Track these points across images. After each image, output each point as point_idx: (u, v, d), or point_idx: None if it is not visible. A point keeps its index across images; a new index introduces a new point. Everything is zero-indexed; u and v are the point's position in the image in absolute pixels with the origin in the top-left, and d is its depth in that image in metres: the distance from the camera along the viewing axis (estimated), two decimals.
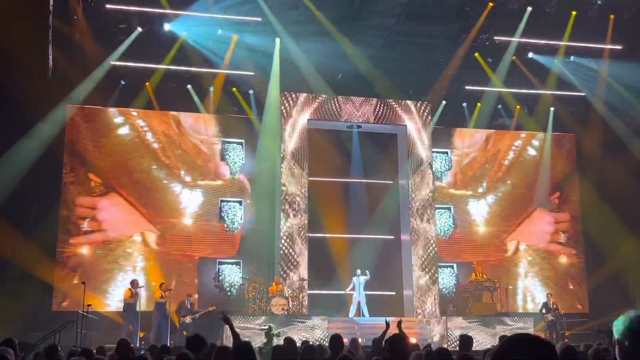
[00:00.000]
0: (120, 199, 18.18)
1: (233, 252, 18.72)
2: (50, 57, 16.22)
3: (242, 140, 19.41)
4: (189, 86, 18.81)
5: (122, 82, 18.41)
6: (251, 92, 19.28)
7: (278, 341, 12.11)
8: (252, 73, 18.74)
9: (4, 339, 7.67)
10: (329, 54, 18.59)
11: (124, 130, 18.58)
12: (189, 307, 15.89)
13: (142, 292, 15.67)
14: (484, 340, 15.56)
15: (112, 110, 18.58)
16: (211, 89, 19.03)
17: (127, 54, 17.62)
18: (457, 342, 8.57)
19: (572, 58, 19.34)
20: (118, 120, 18.58)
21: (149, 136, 18.71)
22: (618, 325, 2.61)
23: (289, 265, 17.35)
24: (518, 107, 20.84)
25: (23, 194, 16.64)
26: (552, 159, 21.22)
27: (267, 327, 13.24)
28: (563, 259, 20.74)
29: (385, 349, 5.61)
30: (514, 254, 20.53)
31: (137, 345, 14.43)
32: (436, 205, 19.27)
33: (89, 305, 15.45)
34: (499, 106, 20.74)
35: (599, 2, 17.28)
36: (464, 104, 20.73)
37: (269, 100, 18.90)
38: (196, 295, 17.40)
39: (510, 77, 19.62)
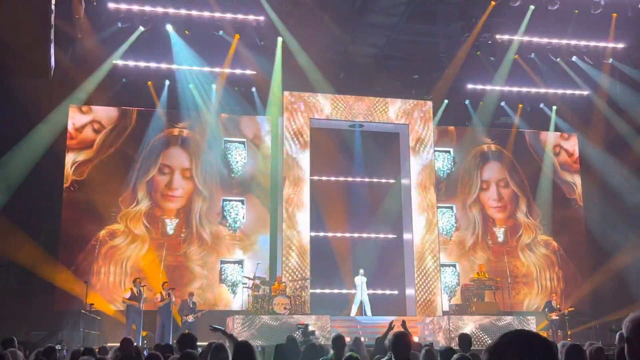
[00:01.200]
0: None
1: (235, 251, 18.74)
2: (52, 56, 16.22)
3: (245, 140, 19.43)
4: (191, 85, 18.81)
5: (124, 80, 18.36)
6: (253, 90, 19.26)
7: (314, 340, 12.21)
8: (255, 72, 18.75)
9: (4, 338, 7.71)
10: (331, 53, 18.60)
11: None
12: (191, 306, 15.91)
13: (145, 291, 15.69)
14: (485, 339, 15.55)
15: (114, 109, 18.63)
16: (214, 87, 19.01)
17: (130, 53, 17.63)
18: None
19: (574, 57, 19.31)
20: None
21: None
22: (627, 324, 2.64)
23: (292, 263, 17.36)
24: (520, 105, 20.83)
25: (25, 194, 16.67)
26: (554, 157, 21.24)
27: (304, 325, 13.29)
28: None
29: (389, 346, 5.59)
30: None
31: (140, 344, 14.44)
32: (438, 204, 19.27)
33: (91, 304, 15.49)
34: (502, 103, 20.68)
35: (602, 3, 17.22)
36: (467, 102, 20.65)
37: (271, 100, 18.92)
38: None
39: (513, 76, 19.60)
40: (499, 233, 20.65)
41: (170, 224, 18.47)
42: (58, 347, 9.09)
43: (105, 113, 18.63)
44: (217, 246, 18.67)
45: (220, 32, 17.48)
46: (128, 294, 15.51)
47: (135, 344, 8.67)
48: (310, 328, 13.39)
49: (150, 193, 18.50)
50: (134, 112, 18.78)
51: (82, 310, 15.07)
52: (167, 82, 18.64)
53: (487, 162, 21.16)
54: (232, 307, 18.02)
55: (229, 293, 18.44)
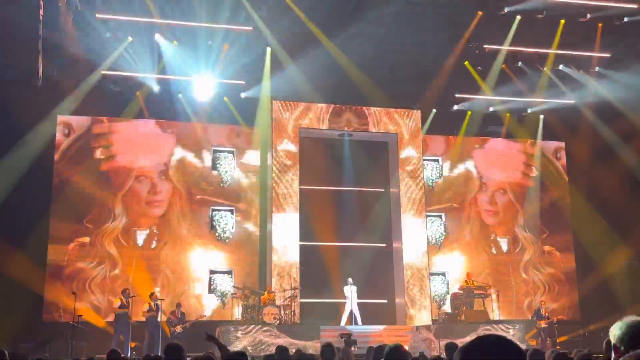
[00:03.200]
0: None
1: (224, 261, 18.68)
2: (40, 66, 16.18)
3: (234, 149, 19.42)
4: (180, 95, 18.80)
5: (112, 87, 18.25)
6: (242, 98, 19.25)
7: (355, 350, 12.27)
8: (243, 82, 18.77)
9: None
10: (319, 63, 18.64)
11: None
12: (179, 316, 15.84)
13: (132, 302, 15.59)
14: None
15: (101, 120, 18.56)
16: (203, 97, 18.99)
17: (118, 63, 17.60)
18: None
19: (561, 66, 19.48)
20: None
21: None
22: (615, 331, 2.70)
23: (281, 274, 17.35)
24: (508, 115, 20.95)
25: (13, 205, 16.56)
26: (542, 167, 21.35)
27: (346, 334, 13.26)
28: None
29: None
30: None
31: (129, 355, 14.36)
32: (427, 213, 19.33)
33: (80, 315, 15.37)
34: (491, 108, 20.74)
35: (588, 16, 17.42)
36: (454, 108, 20.69)
37: (260, 109, 18.93)
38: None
39: (500, 85, 19.74)
40: (502, 243, 20.66)
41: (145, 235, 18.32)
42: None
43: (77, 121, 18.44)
44: (204, 251, 18.59)
45: (209, 42, 17.49)
46: (118, 304, 15.43)
47: (122, 355, 8.62)
48: (353, 337, 13.34)
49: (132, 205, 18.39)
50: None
51: (70, 322, 14.96)
52: (155, 92, 18.57)
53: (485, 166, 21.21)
54: (221, 317, 17.92)
55: (218, 303, 18.36)
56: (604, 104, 19.66)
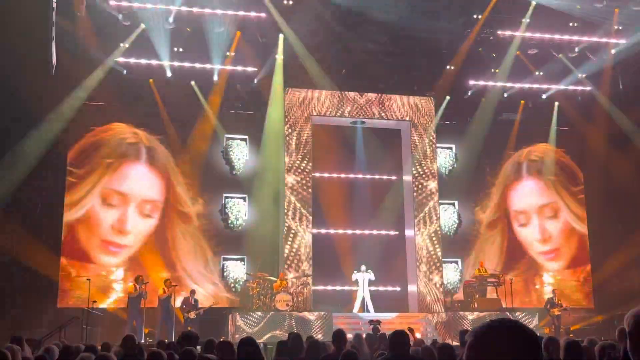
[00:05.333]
0: None
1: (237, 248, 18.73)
2: (54, 54, 16.23)
3: (246, 137, 19.40)
4: (192, 82, 18.78)
5: (125, 74, 18.24)
6: (255, 87, 19.22)
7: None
8: (256, 69, 18.73)
9: (11, 337, 7.73)
10: (332, 50, 18.57)
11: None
12: (192, 302, 15.93)
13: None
14: None
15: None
16: (215, 84, 18.98)
17: (131, 50, 17.60)
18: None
19: (576, 51, 19.22)
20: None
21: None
22: (629, 319, 2.66)
23: (294, 260, 17.39)
24: (522, 102, 20.77)
25: (28, 191, 16.68)
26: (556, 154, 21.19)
27: (376, 322, 13.26)
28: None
29: (387, 343, 5.60)
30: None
31: (142, 341, 14.47)
32: (440, 201, 19.26)
33: (94, 301, 15.53)
34: (505, 95, 20.53)
35: (605, 2, 17.19)
36: (468, 95, 20.51)
37: (273, 96, 18.88)
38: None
39: (515, 72, 19.55)
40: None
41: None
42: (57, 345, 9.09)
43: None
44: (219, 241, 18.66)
45: (222, 29, 17.45)
46: (132, 290, 15.52)
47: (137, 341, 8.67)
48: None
49: None
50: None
51: (85, 308, 15.09)
52: (167, 78, 18.56)
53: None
54: (234, 304, 18.00)
55: (231, 289, 18.42)
56: (620, 91, 19.45)
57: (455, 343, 11.85)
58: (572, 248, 20.83)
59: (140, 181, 18.45)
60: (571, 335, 15.63)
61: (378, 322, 13.16)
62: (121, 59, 17.75)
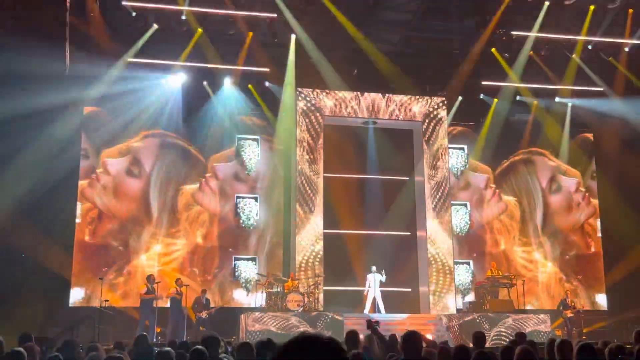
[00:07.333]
0: None
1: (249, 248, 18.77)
2: (67, 54, 16.32)
3: (258, 137, 19.44)
4: (204, 83, 18.84)
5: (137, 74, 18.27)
6: (267, 87, 19.27)
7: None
8: (268, 69, 18.75)
9: (21, 335, 7.77)
10: (344, 50, 18.56)
11: None
12: (204, 302, 15.97)
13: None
14: (499, 337, 15.47)
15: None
16: (227, 85, 19.02)
17: (144, 51, 17.67)
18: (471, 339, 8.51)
19: (589, 50, 19.09)
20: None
21: None
22: None
23: (305, 261, 17.38)
24: (535, 102, 20.65)
25: (40, 190, 16.77)
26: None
27: (376, 322, 13.25)
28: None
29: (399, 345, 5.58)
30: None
31: (154, 340, 14.52)
32: (452, 202, 19.20)
33: (106, 300, 15.60)
34: (517, 97, 20.44)
35: (618, 2, 17.06)
36: (481, 96, 20.45)
37: (285, 97, 18.91)
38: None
39: (528, 73, 19.45)
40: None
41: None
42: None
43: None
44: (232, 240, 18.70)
45: (234, 30, 17.47)
46: (144, 290, 15.60)
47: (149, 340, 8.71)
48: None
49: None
50: None
51: (97, 307, 15.16)
52: (180, 78, 18.62)
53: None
54: (245, 304, 18.04)
55: (242, 290, 18.46)
56: (634, 92, 19.29)
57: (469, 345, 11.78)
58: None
59: None
60: (584, 337, 15.54)
61: (377, 322, 13.10)
62: (134, 59, 17.77)
